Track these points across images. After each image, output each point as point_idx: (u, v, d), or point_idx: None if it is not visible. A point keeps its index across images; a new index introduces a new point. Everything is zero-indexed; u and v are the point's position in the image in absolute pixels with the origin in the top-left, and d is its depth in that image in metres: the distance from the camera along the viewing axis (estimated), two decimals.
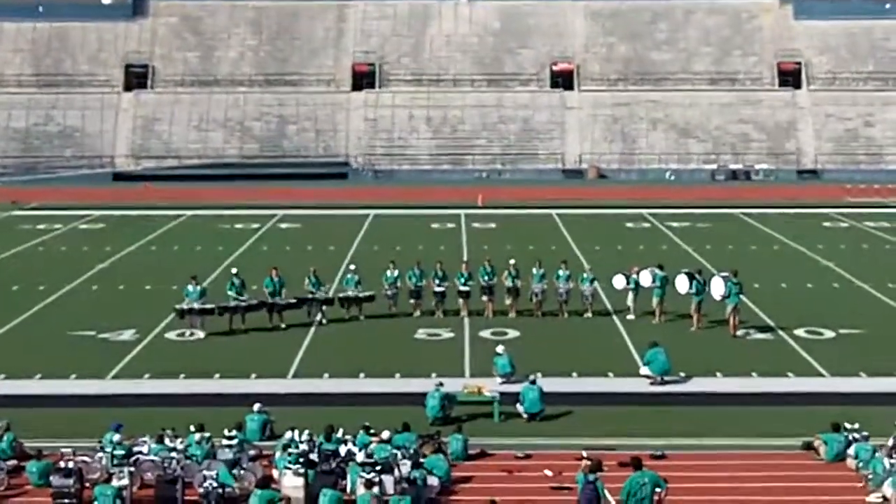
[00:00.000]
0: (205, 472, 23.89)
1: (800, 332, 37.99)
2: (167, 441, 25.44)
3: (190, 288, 38.51)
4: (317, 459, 24.54)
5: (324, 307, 39.52)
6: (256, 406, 28.00)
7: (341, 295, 40.31)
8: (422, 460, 24.58)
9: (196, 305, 37.97)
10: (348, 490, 23.89)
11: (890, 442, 25.31)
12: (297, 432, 25.46)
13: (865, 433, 26.14)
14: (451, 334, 37.98)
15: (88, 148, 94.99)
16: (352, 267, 41.82)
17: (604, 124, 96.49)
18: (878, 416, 28.29)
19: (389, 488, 23.41)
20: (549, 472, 25.09)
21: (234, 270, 40.52)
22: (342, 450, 25.04)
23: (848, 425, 26.38)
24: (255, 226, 62.96)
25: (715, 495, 24.14)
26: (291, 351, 35.76)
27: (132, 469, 24.37)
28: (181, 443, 25.43)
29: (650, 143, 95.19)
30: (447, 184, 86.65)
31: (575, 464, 24.75)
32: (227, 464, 24.26)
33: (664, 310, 39.35)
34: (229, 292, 38.64)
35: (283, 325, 38.61)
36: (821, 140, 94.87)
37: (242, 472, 24.45)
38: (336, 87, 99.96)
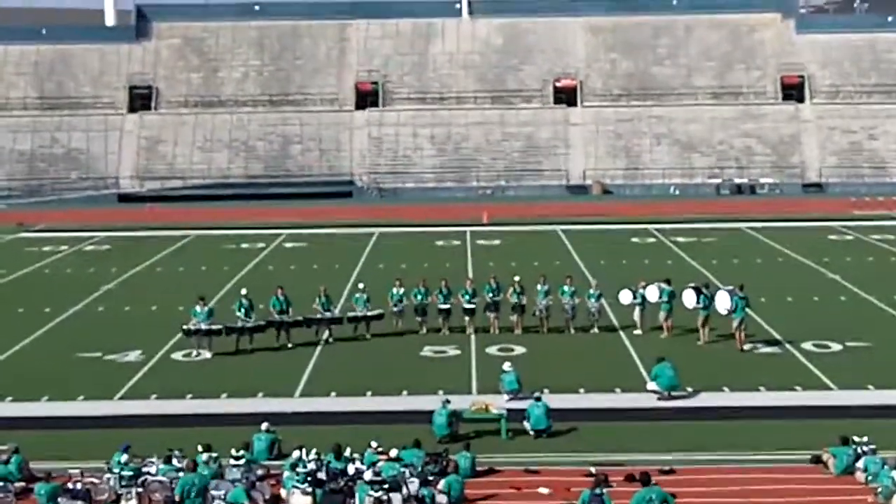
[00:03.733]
0: (212, 492, 23.86)
1: (807, 345, 37.93)
2: (175, 461, 25.38)
3: (198, 308, 38.45)
4: (325, 478, 24.51)
5: (331, 326, 39.54)
6: (264, 425, 27.98)
7: (350, 314, 40.29)
8: (430, 479, 24.53)
9: (203, 326, 37.97)
10: None
11: None
12: (304, 451, 25.43)
13: (874, 446, 26.08)
14: (458, 351, 37.95)
15: (93, 170, 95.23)
16: (360, 286, 41.79)
17: (607, 140, 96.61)
18: (886, 428, 28.28)
19: None
20: (544, 490, 25.01)
21: (243, 291, 40.37)
22: (350, 468, 24.98)
23: (856, 438, 26.32)
24: (261, 245, 63.02)
25: None
26: (298, 370, 35.74)
27: (140, 490, 24.35)
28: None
29: (654, 158, 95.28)
30: (452, 201, 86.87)
31: (583, 480, 24.72)
32: (245, 484, 24.18)
33: (671, 324, 39.30)
34: (238, 313, 38.60)
35: (289, 345, 38.58)
36: (825, 153, 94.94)
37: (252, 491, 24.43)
38: (339, 105, 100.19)
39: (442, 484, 24.32)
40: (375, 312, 40.11)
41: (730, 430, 29.35)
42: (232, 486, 23.96)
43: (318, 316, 39.31)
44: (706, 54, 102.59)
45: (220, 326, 38.13)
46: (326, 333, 39.21)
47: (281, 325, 38.77)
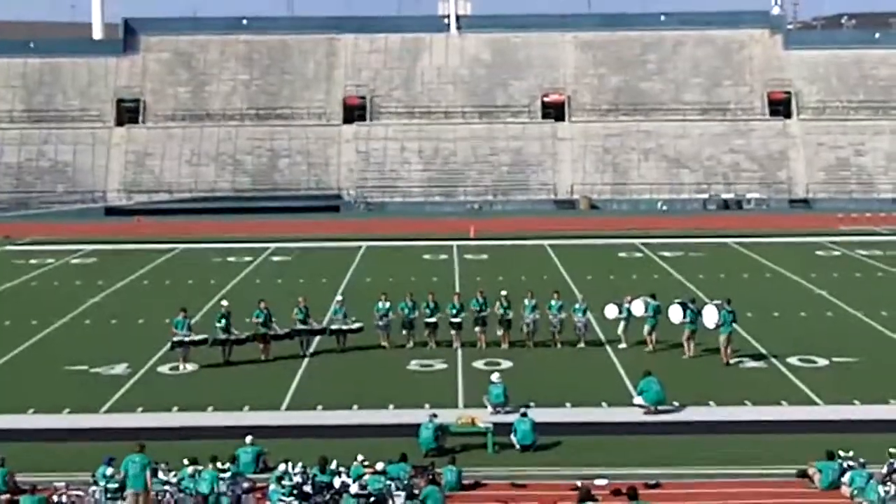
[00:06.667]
0: None
1: (793, 360, 37.97)
2: (161, 474, 25.35)
3: (179, 318, 38.32)
4: (311, 491, 24.48)
5: (316, 338, 39.47)
6: (248, 438, 27.92)
7: (332, 327, 40.22)
8: (416, 492, 24.52)
9: (185, 338, 37.77)
10: None
11: (884, 469, 25.31)
12: (290, 464, 25.39)
13: (860, 460, 26.12)
14: (444, 365, 37.92)
15: (80, 183, 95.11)
16: (338, 298, 41.85)
17: (595, 155, 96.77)
18: (872, 443, 28.25)
19: None
20: None
21: (224, 303, 40.42)
22: (336, 482, 24.96)
23: (842, 453, 26.36)
24: (248, 259, 62.94)
25: None
26: (285, 383, 35.68)
27: (125, 503, 24.30)
28: (175, 476, 25.36)
29: (642, 173, 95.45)
30: (439, 216, 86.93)
31: (569, 494, 24.70)
32: (231, 497, 24.15)
33: (657, 339, 39.32)
34: (217, 325, 38.48)
35: (270, 357, 38.41)
36: (812, 169, 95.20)
37: None
38: (327, 120, 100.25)
39: (420, 495, 24.32)
40: (355, 326, 40.02)
41: (716, 445, 29.36)
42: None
43: (300, 327, 39.23)
44: (694, 70, 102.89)
45: (202, 337, 38.05)
46: (307, 345, 39.20)
47: (264, 337, 38.66)
